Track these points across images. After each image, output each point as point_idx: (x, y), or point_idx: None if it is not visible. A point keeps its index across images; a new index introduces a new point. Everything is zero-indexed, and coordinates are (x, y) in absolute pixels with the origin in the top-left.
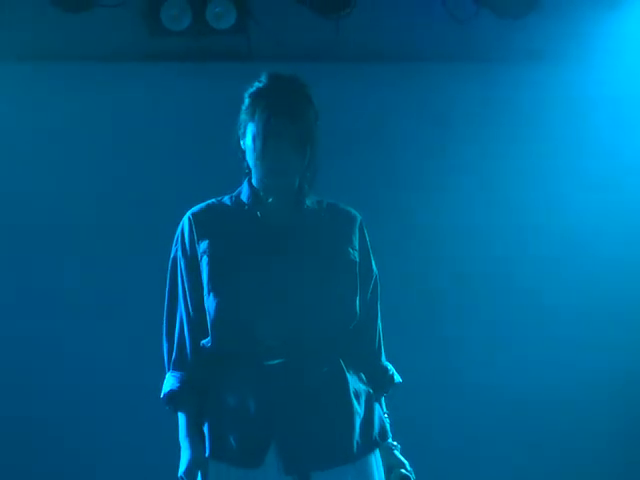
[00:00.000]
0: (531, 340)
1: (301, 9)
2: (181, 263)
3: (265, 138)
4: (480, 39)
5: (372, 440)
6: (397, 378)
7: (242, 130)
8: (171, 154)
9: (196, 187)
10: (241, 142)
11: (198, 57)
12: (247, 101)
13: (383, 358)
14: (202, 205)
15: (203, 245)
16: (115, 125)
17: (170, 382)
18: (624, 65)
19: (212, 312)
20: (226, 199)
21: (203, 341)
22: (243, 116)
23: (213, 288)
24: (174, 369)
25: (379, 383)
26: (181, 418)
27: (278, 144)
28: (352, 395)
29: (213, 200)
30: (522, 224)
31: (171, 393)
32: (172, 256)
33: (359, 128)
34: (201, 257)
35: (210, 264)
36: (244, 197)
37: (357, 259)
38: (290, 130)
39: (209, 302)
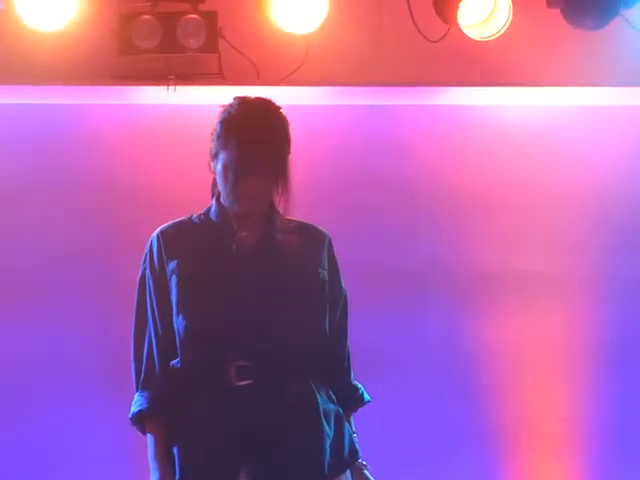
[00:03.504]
0: None
1: (273, 28)
2: (150, 282)
3: (237, 170)
4: None
5: (343, 460)
6: (367, 397)
7: (214, 152)
8: (140, 174)
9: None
10: (212, 163)
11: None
12: (219, 127)
13: (352, 377)
14: (170, 223)
15: (172, 264)
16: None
17: (139, 402)
18: None
19: (181, 332)
20: (195, 218)
21: (172, 361)
22: (215, 142)
23: (182, 309)
24: (143, 389)
25: (348, 402)
26: (150, 439)
27: (250, 175)
28: (322, 416)
29: (182, 218)
30: None
31: (140, 413)
32: (140, 274)
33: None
34: (170, 276)
35: (179, 284)
36: (213, 216)
37: (326, 278)
38: (263, 160)
39: (178, 322)
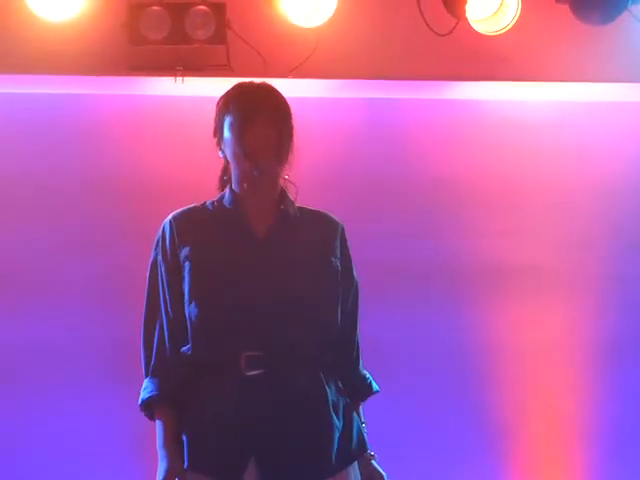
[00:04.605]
0: None
1: (281, 21)
2: (162, 268)
3: (243, 120)
4: None
5: (351, 452)
6: (375, 387)
7: (218, 124)
8: (147, 165)
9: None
10: (221, 144)
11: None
12: (221, 102)
13: (361, 367)
14: (184, 209)
15: (185, 250)
16: (95, 136)
17: (149, 389)
18: None
19: (193, 319)
20: (208, 204)
21: (183, 348)
22: (217, 115)
23: (194, 296)
24: (153, 375)
25: (357, 392)
26: (159, 426)
27: (257, 125)
28: (331, 408)
29: (195, 204)
30: None
31: (149, 400)
32: (152, 260)
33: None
34: (183, 263)
35: (192, 271)
36: (227, 203)
37: (339, 267)
38: (267, 110)
39: (190, 309)
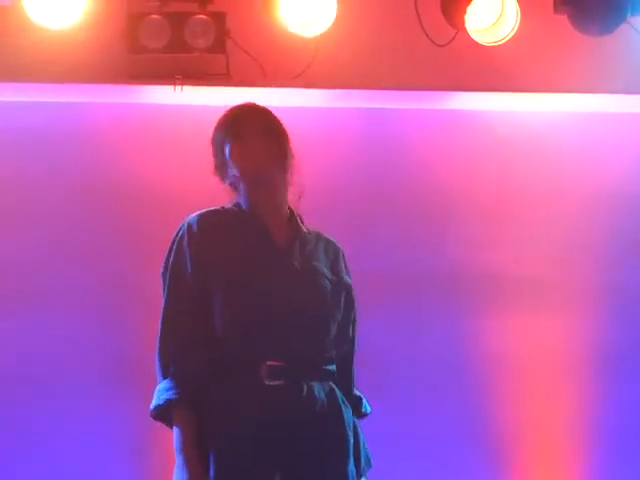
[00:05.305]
0: None
1: (281, 30)
2: (185, 270)
3: (233, 135)
4: None
5: (361, 467)
6: (368, 408)
7: (221, 152)
8: (146, 173)
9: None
10: (225, 161)
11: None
12: (222, 122)
13: (356, 386)
14: (206, 212)
15: (211, 254)
16: (94, 145)
17: (168, 391)
18: None
19: (217, 326)
20: (228, 209)
21: (205, 354)
22: (218, 135)
23: (220, 303)
24: (172, 378)
25: (355, 412)
26: (179, 430)
27: (246, 136)
28: (346, 424)
29: (216, 208)
30: None
31: (169, 402)
32: (172, 260)
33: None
34: (210, 267)
35: (217, 278)
36: (246, 210)
37: (351, 282)
38: (254, 123)
39: (218, 314)
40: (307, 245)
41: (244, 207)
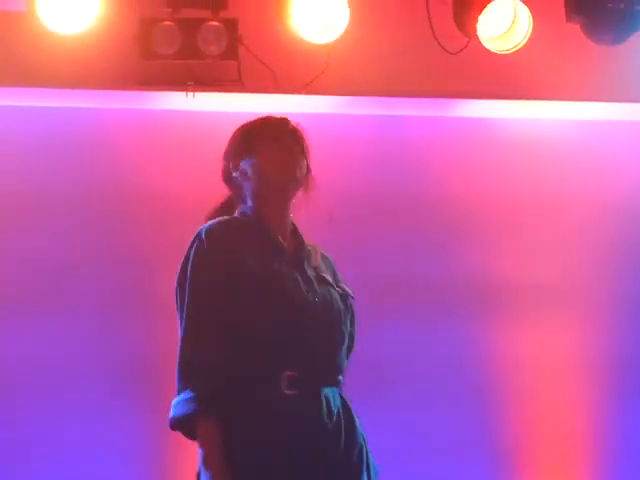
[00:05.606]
0: None
1: (293, 37)
2: (207, 284)
3: (278, 142)
4: None
5: (371, 477)
6: None
7: (242, 156)
8: (157, 179)
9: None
10: (244, 165)
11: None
12: (248, 129)
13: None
14: (220, 222)
15: (233, 268)
16: (105, 150)
17: (190, 405)
18: None
19: (241, 338)
20: (242, 218)
21: (226, 364)
22: (243, 144)
23: (245, 312)
24: (194, 391)
25: None
26: (207, 446)
27: (286, 142)
28: (358, 432)
29: (228, 218)
30: None
31: (194, 413)
32: (193, 274)
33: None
34: (232, 281)
35: (241, 286)
36: (256, 221)
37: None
38: (292, 133)
39: (240, 325)
40: (310, 256)
41: (253, 217)
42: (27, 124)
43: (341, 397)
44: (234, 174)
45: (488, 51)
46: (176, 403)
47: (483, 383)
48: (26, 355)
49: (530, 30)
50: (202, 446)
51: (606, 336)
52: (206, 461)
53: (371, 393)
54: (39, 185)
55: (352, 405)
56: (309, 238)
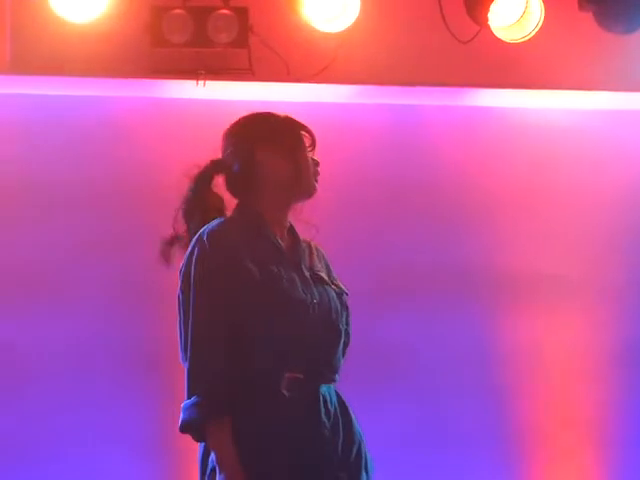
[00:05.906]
0: None
1: (304, 26)
2: (213, 287)
3: (306, 153)
4: None
5: (369, 475)
6: None
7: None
8: (167, 167)
9: None
10: (252, 163)
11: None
12: (261, 126)
13: None
14: (221, 226)
15: (240, 271)
16: (116, 138)
17: (202, 407)
18: None
19: (247, 340)
20: (242, 221)
21: (235, 366)
22: (256, 141)
23: (252, 314)
24: (206, 392)
25: None
26: (221, 448)
27: (306, 149)
28: (356, 430)
29: (227, 219)
30: None
31: (207, 418)
32: (198, 277)
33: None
34: (239, 279)
35: (244, 290)
36: (254, 221)
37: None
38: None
39: (248, 327)
40: (305, 254)
41: (252, 217)
42: (37, 112)
43: (337, 394)
44: (237, 172)
45: (499, 40)
46: (186, 407)
47: (492, 373)
48: (34, 343)
49: (542, 19)
50: (215, 450)
51: (616, 325)
52: (220, 464)
53: (377, 385)
54: (47, 172)
55: (351, 401)
56: (317, 227)
